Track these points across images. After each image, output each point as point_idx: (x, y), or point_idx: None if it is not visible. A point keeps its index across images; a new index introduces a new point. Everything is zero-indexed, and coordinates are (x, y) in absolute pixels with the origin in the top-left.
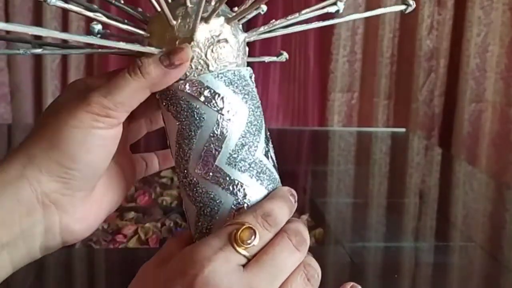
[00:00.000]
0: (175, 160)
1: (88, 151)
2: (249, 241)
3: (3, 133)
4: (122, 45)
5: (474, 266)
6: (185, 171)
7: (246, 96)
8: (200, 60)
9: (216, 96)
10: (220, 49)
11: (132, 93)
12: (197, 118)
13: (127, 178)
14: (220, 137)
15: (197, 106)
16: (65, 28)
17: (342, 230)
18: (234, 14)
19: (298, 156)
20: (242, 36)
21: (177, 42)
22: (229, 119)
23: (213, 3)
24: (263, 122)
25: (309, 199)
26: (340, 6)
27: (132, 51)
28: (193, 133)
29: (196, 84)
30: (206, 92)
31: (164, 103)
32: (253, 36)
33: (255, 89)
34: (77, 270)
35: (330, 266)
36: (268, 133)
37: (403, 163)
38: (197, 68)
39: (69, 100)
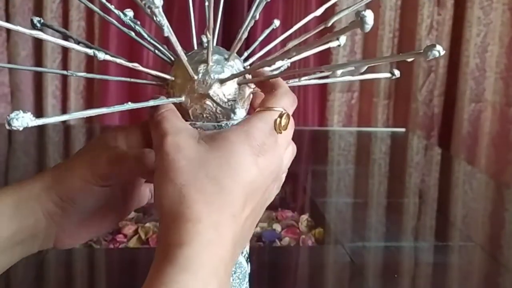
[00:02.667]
0: None
1: (81, 196)
2: (286, 127)
3: (3, 133)
4: (151, 103)
5: (474, 266)
6: None
7: None
8: (210, 112)
9: None
10: (228, 107)
11: (129, 171)
12: None
13: (128, 206)
14: None
15: None
16: (65, 28)
17: (342, 230)
18: (245, 70)
19: (298, 156)
20: (248, 91)
21: (195, 95)
22: None
23: (231, 62)
24: None
25: (309, 199)
26: (342, 40)
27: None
28: None
29: (198, 130)
30: None
31: None
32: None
33: None
34: (77, 270)
35: (330, 266)
36: None
37: (403, 163)
38: (206, 118)
39: (86, 151)
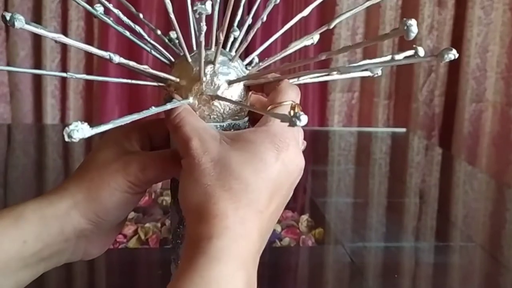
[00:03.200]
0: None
1: (118, 208)
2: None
3: (3, 133)
4: (168, 106)
5: (474, 266)
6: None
7: None
8: (218, 113)
9: None
10: (234, 108)
11: (163, 173)
12: None
13: (136, 201)
14: None
15: None
16: (64, 28)
17: (342, 230)
18: (249, 74)
19: None
20: (250, 92)
21: (203, 97)
22: None
23: (235, 63)
24: None
25: (309, 199)
26: (316, 38)
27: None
28: None
29: None
30: None
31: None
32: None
33: None
34: (77, 270)
35: (330, 266)
36: None
37: (403, 163)
38: (213, 119)
39: (110, 159)
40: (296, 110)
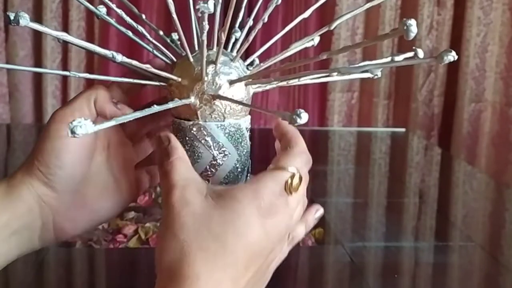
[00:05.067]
0: None
1: (58, 158)
2: (297, 189)
3: (2, 133)
4: (170, 105)
5: (474, 266)
6: None
7: (238, 145)
8: (219, 112)
9: (215, 143)
10: (235, 107)
11: (113, 109)
12: (196, 155)
13: (127, 192)
14: (210, 174)
15: (199, 146)
16: (65, 28)
17: (342, 230)
18: (251, 74)
19: None
20: (252, 91)
21: (205, 96)
22: (221, 163)
23: (236, 63)
24: (248, 160)
25: (309, 199)
26: (316, 40)
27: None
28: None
29: (202, 129)
30: (208, 138)
31: (174, 130)
32: (259, 88)
33: (247, 135)
34: (77, 270)
35: (330, 266)
36: (250, 165)
37: (403, 163)
38: (215, 118)
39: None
40: (294, 180)
